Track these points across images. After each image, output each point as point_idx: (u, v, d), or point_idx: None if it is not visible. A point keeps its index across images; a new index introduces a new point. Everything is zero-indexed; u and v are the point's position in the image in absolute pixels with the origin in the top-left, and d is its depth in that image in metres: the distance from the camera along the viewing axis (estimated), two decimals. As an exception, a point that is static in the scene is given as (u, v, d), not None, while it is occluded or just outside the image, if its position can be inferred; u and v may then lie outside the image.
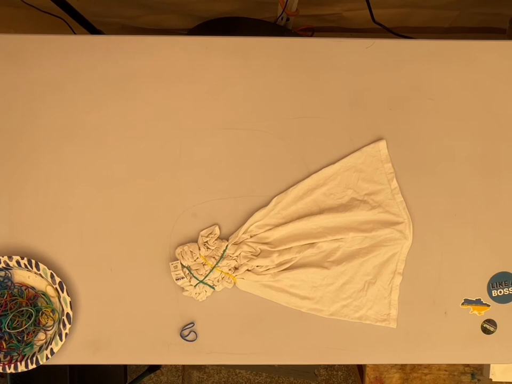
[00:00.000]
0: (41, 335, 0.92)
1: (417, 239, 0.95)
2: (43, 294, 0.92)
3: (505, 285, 0.95)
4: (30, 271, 0.91)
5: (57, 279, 0.90)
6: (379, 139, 0.95)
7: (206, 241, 0.92)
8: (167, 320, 0.93)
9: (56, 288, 0.90)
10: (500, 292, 0.95)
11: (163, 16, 1.44)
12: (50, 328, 0.92)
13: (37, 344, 0.92)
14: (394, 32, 1.29)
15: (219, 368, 1.98)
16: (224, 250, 0.92)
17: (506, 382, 1.21)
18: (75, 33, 1.36)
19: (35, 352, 0.91)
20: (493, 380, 1.19)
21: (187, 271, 0.91)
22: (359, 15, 1.43)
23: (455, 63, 0.96)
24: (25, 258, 0.89)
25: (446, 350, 0.95)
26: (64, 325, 0.90)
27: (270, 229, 0.93)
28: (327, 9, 1.44)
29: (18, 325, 0.90)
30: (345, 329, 0.94)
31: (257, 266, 0.92)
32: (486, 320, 0.95)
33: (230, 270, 0.92)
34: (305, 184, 0.94)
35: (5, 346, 0.91)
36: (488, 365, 1.20)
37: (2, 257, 0.89)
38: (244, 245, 0.92)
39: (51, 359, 0.90)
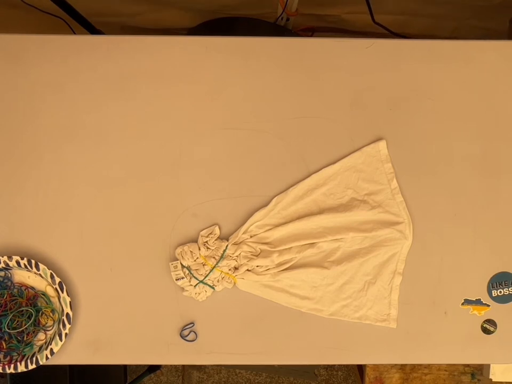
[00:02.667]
0: (41, 335, 0.92)
1: (417, 239, 0.95)
2: (43, 294, 0.92)
3: (505, 285, 0.95)
4: (30, 271, 0.91)
5: (57, 279, 0.90)
6: (379, 139, 0.95)
7: (206, 241, 0.92)
8: (167, 320, 0.93)
9: (56, 288, 0.90)
10: (500, 292, 0.95)
11: (163, 12, 1.44)
12: (50, 328, 0.92)
13: (37, 344, 0.92)
14: (393, 32, 1.29)
15: (219, 368, 1.98)
16: (224, 250, 0.92)
17: (506, 382, 1.21)
18: (75, 33, 1.36)
19: (35, 352, 0.91)
20: (493, 380, 1.19)
21: (187, 271, 0.91)
22: (358, 19, 1.44)
23: (455, 63, 0.96)
24: (25, 258, 0.89)
25: (446, 350, 0.95)
26: (64, 325, 0.90)
27: (270, 229, 0.93)
28: (327, 10, 1.44)
29: (18, 325, 0.90)
30: (345, 329, 0.94)
31: (257, 266, 0.92)
32: (486, 320, 0.95)
33: (230, 270, 0.92)
34: (305, 184, 0.94)
35: (5, 346, 0.91)
36: (488, 365, 1.20)
37: (2, 257, 0.89)
38: (244, 245, 0.92)
39: (51, 359, 0.90)
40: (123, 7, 1.40)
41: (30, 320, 0.90)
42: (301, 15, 1.41)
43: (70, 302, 0.90)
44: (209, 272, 0.91)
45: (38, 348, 0.91)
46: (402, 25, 1.44)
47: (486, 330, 0.95)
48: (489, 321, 0.95)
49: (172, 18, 1.46)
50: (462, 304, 0.95)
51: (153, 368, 1.90)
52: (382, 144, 0.95)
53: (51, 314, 0.92)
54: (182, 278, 0.91)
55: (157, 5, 1.40)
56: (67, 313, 0.90)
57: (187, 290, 0.92)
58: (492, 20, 1.42)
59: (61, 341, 0.89)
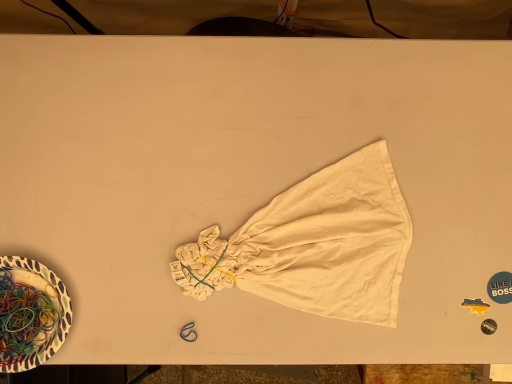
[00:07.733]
0: (41, 335, 0.92)
1: (417, 239, 0.95)
2: (43, 294, 0.92)
3: (505, 285, 0.95)
4: (30, 271, 0.91)
5: (57, 279, 0.90)
6: (379, 139, 0.95)
7: (206, 241, 0.92)
8: (167, 320, 0.93)
9: (56, 288, 0.90)
10: (500, 292, 0.95)
11: (163, 21, 1.44)
12: (50, 328, 0.92)
13: (37, 344, 0.92)
14: (394, 33, 1.29)
15: (219, 368, 1.98)
16: (224, 250, 0.92)
17: (506, 382, 1.21)
18: (75, 33, 1.36)
19: (35, 352, 0.91)
20: (493, 380, 1.19)
21: (187, 271, 0.91)
22: (359, 24, 1.43)
23: (455, 63, 0.96)
24: (25, 258, 0.89)
25: (446, 350, 0.95)
26: (64, 325, 0.90)
27: (270, 229, 0.93)
28: (328, 15, 1.44)
29: (18, 325, 0.90)
30: (345, 329, 0.94)
31: (257, 266, 0.92)
32: (486, 320, 0.95)
33: (230, 270, 0.92)
34: (305, 184, 0.94)
35: (5, 346, 0.91)
36: (488, 365, 1.20)
37: (2, 257, 0.89)
38: (244, 245, 0.92)
39: (51, 359, 0.90)
40: (123, 18, 1.39)
41: (30, 320, 0.90)
42: (301, 20, 1.41)
43: (70, 302, 0.90)
44: (209, 272, 0.91)
45: (38, 348, 0.91)
46: (403, 31, 1.44)
47: (486, 330, 0.95)
48: (489, 321, 0.95)
49: (172, 27, 1.46)
50: (462, 304, 0.95)
51: (153, 368, 1.90)
52: (382, 144, 0.95)
53: (51, 314, 0.92)
54: (182, 278, 0.91)
55: (157, 14, 1.40)
56: (67, 313, 0.90)
57: (187, 290, 0.92)
58: (493, 28, 1.42)
59: (61, 341, 0.89)
